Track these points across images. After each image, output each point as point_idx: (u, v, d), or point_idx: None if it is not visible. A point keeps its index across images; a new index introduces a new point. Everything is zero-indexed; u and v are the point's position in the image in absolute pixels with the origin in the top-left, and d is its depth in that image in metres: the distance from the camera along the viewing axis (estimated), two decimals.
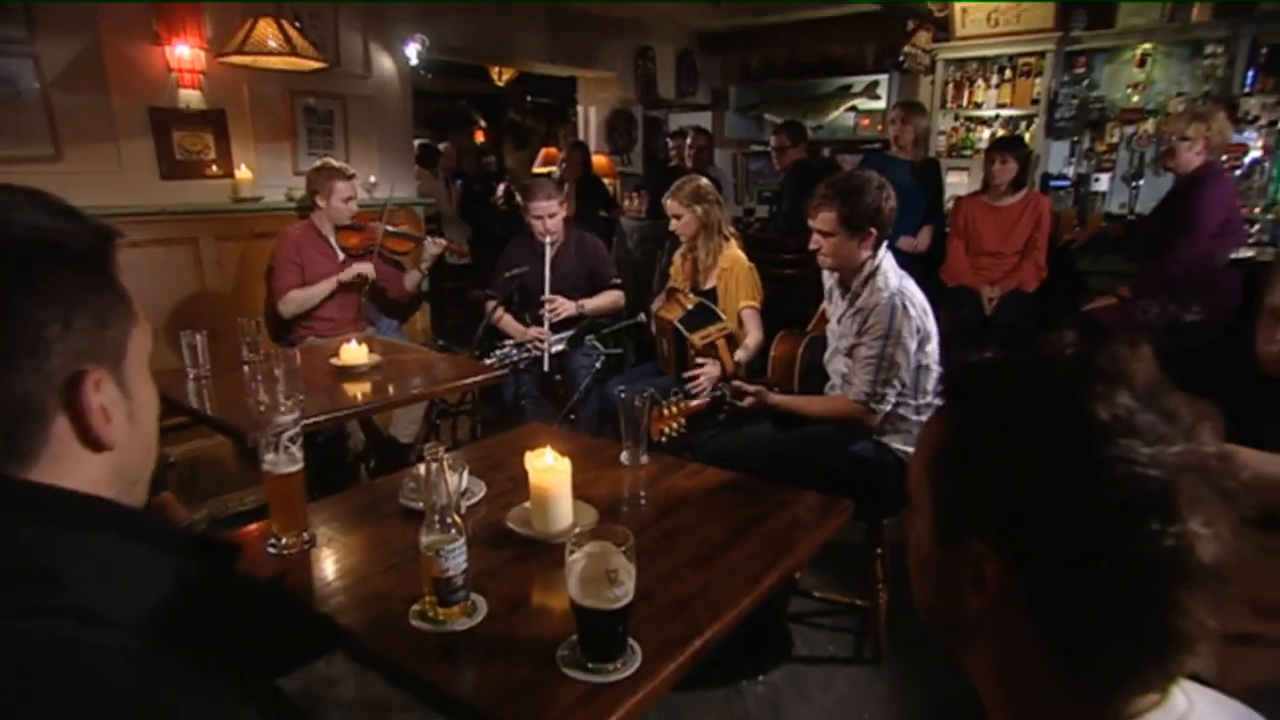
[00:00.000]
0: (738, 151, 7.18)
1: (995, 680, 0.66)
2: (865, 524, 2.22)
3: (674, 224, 3.18)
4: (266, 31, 3.00)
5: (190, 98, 3.45)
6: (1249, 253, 3.55)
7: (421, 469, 1.60)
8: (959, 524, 0.65)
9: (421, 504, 1.52)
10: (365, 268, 3.39)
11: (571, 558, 1.09)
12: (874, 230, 2.19)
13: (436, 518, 1.20)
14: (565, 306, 3.36)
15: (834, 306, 2.39)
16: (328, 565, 1.43)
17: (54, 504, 0.59)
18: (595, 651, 1.10)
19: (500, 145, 9.67)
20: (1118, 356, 0.61)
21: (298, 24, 3.49)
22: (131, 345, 0.66)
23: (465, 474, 1.55)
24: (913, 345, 2.13)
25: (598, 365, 3.25)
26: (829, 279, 2.43)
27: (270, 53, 3.08)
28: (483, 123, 9.74)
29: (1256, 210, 4.37)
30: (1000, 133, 5.61)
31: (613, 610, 1.08)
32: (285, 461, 1.42)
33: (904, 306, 2.14)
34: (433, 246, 3.69)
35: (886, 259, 2.26)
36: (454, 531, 1.19)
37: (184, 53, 3.34)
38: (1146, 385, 0.59)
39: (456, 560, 1.19)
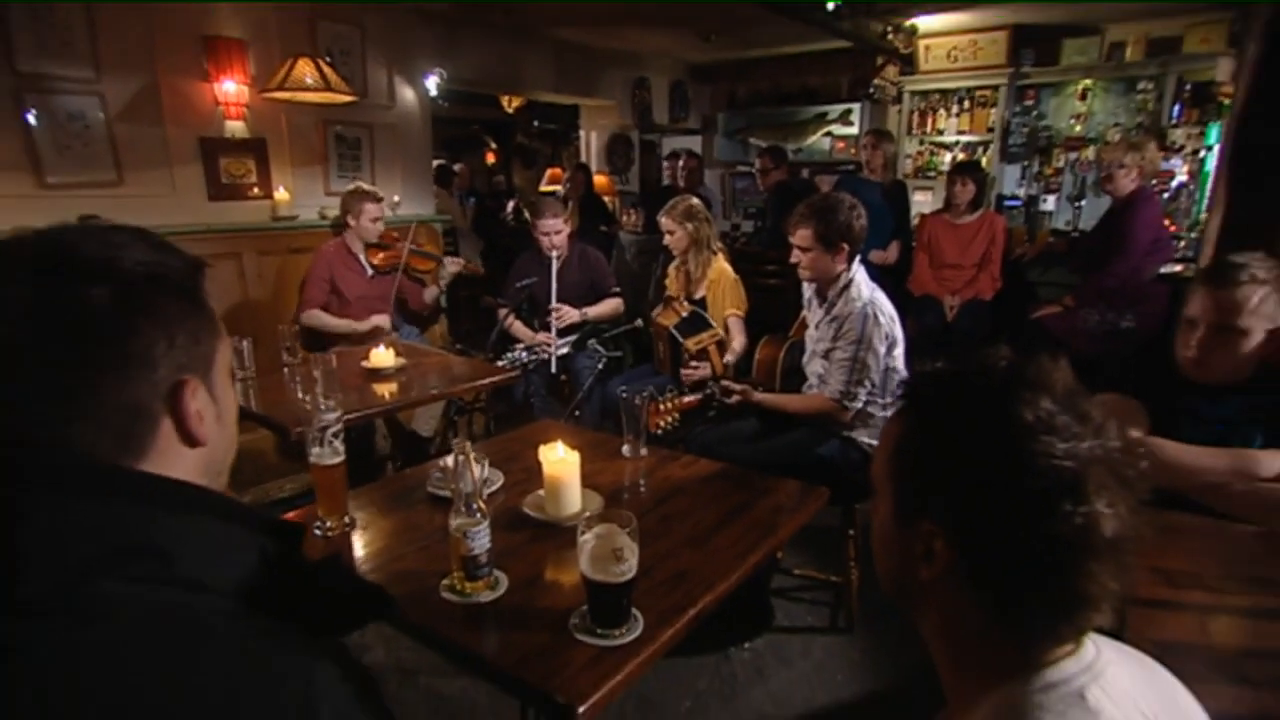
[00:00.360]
0: (725, 172, 7.18)
1: (942, 637, 0.70)
2: (839, 509, 2.23)
3: (667, 239, 3.18)
4: (305, 70, 3.02)
5: (235, 128, 3.46)
6: (1177, 268, 3.57)
7: (448, 461, 1.64)
8: (913, 507, 0.69)
9: (447, 492, 1.55)
10: (383, 321, 3.39)
11: (583, 538, 1.11)
12: (846, 246, 2.20)
13: (463, 504, 1.21)
14: (570, 314, 3.37)
15: (812, 314, 2.39)
16: (367, 546, 1.44)
17: (164, 491, 0.62)
18: (603, 619, 1.12)
19: (509, 165, 9.63)
20: (1042, 367, 0.65)
21: (328, 59, 3.53)
22: (218, 358, 0.69)
23: (486, 465, 1.58)
24: (882, 350, 2.14)
25: (600, 366, 3.25)
26: (808, 289, 2.43)
27: (308, 89, 3.10)
28: (493, 145, 9.70)
29: (1182, 229, 4.42)
30: (960, 157, 5.66)
31: (618, 583, 1.10)
32: (329, 454, 1.44)
33: (874, 315, 2.15)
34: (451, 265, 3.70)
35: (859, 272, 2.27)
36: (479, 516, 1.21)
37: (230, 88, 3.35)
38: (1064, 391, 0.64)
39: (481, 541, 1.21)
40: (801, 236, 2.23)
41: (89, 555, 0.55)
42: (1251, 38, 2.22)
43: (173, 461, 0.65)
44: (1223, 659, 1.02)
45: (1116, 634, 0.72)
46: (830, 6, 3.65)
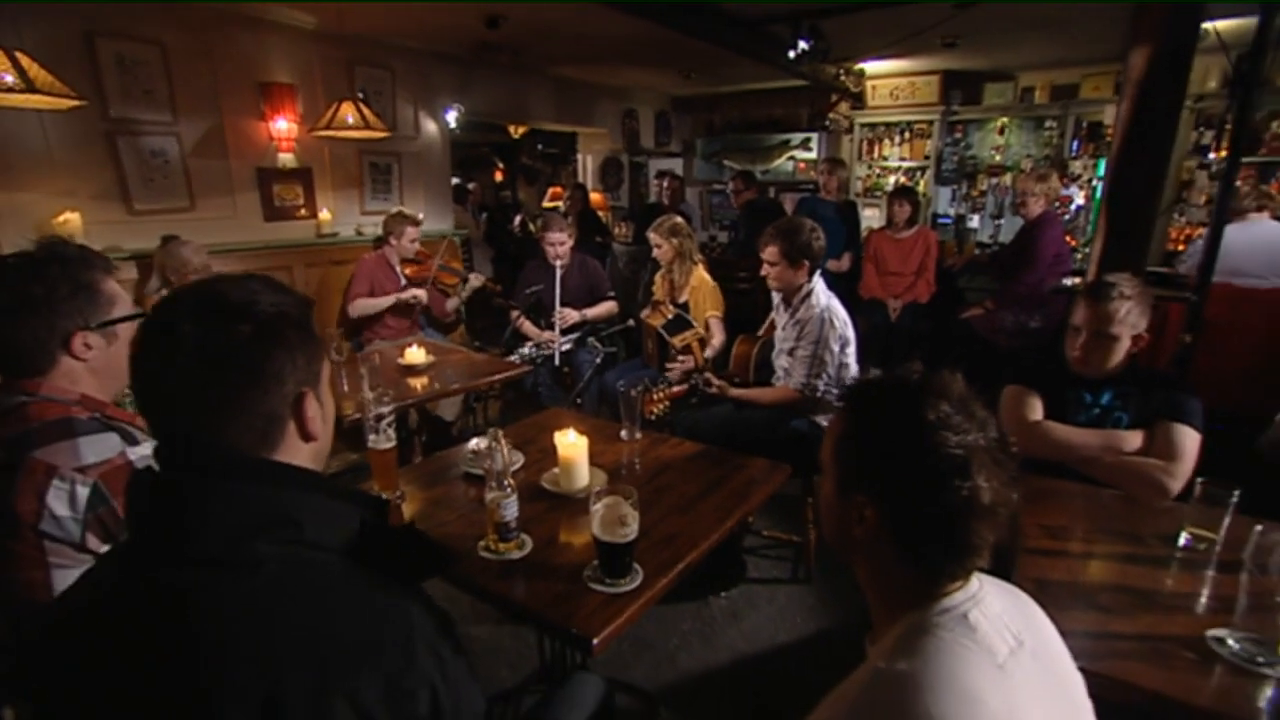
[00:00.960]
0: (703, 189, 7.19)
1: (870, 577, 0.81)
2: (801, 480, 2.26)
3: (655, 251, 3.20)
4: (347, 111, 3.05)
5: (286, 159, 3.50)
6: (1076, 280, 3.64)
7: (479, 444, 1.72)
8: (850, 483, 0.79)
9: (479, 470, 1.60)
10: (420, 293, 3.45)
11: (594, 507, 1.19)
12: (807, 262, 2.25)
13: (495, 480, 1.29)
14: (571, 316, 3.41)
15: (779, 317, 2.42)
16: (416, 515, 1.49)
17: (293, 476, 0.70)
18: (611, 572, 1.20)
19: (515, 182, 9.61)
20: (942, 379, 0.76)
21: (361, 94, 3.54)
22: (323, 373, 0.77)
23: (510, 448, 1.65)
24: (836, 349, 2.20)
25: (598, 361, 3.30)
26: (776, 296, 2.45)
27: (349, 127, 3.13)
28: (500, 164, 9.66)
29: (1079, 244, 4.56)
30: (902, 180, 5.76)
31: (623, 543, 1.18)
32: (384, 440, 1.48)
33: (830, 320, 2.21)
34: (475, 281, 3.74)
35: (818, 283, 2.31)
36: (509, 490, 1.29)
37: (282, 126, 3.40)
38: (958, 397, 0.74)
39: (511, 510, 1.29)
40: (770, 253, 2.28)
41: (246, 523, 0.64)
42: (1125, 93, 2.33)
43: (294, 453, 0.74)
44: (1084, 592, 1.13)
45: (1007, 575, 0.82)
46: (792, 55, 3.72)
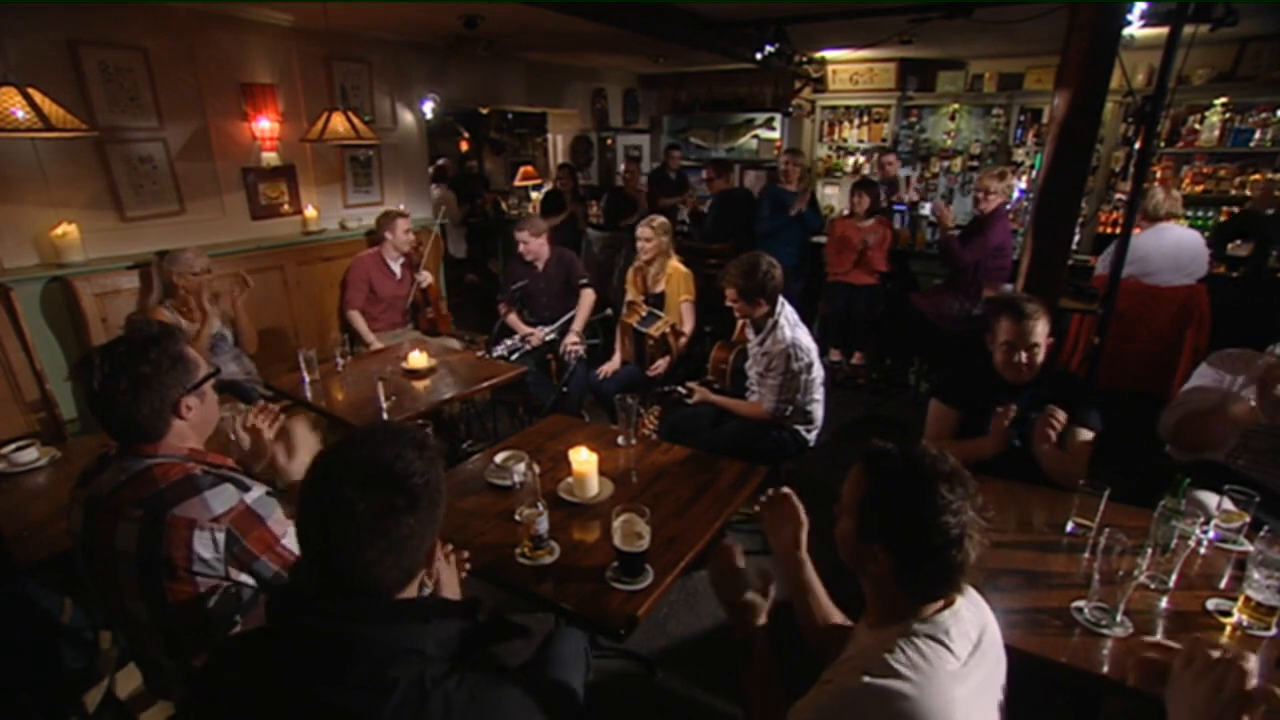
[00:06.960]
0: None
1: (872, 591, 1.02)
2: (769, 465, 2.45)
3: (643, 244, 3.34)
4: (339, 121, 3.11)
5: (270, 158, 3.55)
6: (1007, 287, 3.82)
7: (500, 457, 1.96)
8: (870, 533, 0.98)
9: (503, 482, 1.83)
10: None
11: (614, 523, 1.43)
12: (762, 298, 2.38)
13: (530, 499, 1.54)
14: (539, 334, 3.59)
15: (750, 334, 2.55)
16: (457, 529, 1.65)
17: (416, 611, 0.85)
18: (629, 574, 1.44)
19: (480, 151, 9.54)
20: (946, 461, 0.95)
21: (347, 90, 3.57)
22: (439, 524, 0.90)
23: (535, 466, 1.81)
24: (802, 376, 2.40)
25: (581, 352, 3.48)
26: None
27: (341, 137, 3.19)
28: (465, 134, 9.55)
29: (1020, 228, 4.90)
30: (861, 160, 6.03)
31: (638, 552, 1.43)
32: None
33: (794, 354, 2.36)
34: (423, 281, 3.80)
35: (784, 314, 2.41)
36: (541, 507, 1.53)
37: (264, 125, 3.44)
38: (955, 476, 0.94)
39: (544, 525, 1.53)
40: (729, 292, 2.43)
41: (384, 658, 0.80)
42: (1058, 85, 2.45)
43: (418, 587, 0.91)
44: (991, 576, 1.41)
45: None
46: (759, 57, 3.89)
